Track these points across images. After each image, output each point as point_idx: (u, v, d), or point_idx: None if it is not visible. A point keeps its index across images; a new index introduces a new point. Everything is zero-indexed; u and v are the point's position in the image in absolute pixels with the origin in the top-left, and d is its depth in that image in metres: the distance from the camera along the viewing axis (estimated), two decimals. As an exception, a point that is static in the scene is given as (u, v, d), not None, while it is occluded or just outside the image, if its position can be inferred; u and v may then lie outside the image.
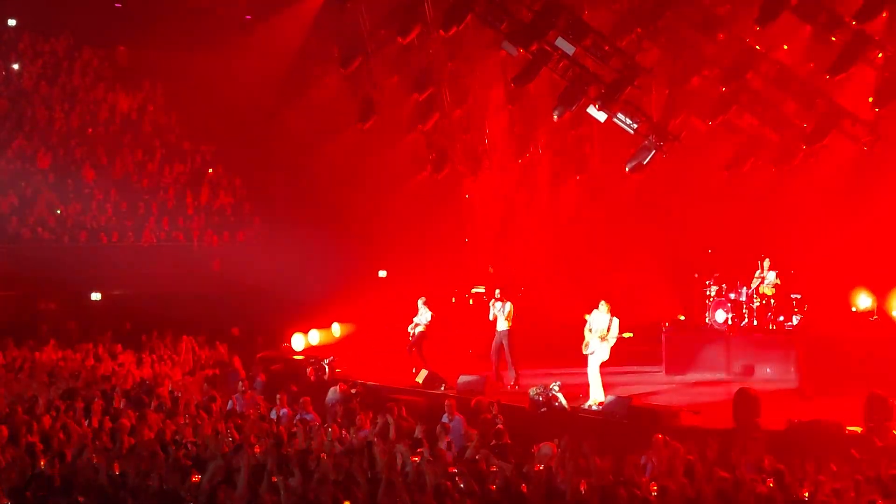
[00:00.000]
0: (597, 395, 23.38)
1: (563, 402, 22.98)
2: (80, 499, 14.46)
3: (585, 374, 24.11)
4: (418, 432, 20.84)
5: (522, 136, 34.31)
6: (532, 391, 23.49)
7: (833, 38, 25.92)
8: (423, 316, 28.23)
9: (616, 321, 23.43)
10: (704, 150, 30.73)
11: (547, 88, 30.84)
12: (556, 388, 23.26)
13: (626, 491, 14.80)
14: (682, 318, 30.48)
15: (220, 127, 38.25)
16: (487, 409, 22.12)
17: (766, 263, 28.65)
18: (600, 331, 23.42)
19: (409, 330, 28.38)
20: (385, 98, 32.51)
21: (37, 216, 33.48)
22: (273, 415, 23.38)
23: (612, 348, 23.57)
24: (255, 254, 34.44)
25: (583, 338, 23.79)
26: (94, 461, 17.47)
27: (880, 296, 28.02)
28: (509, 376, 26.60)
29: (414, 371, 27.60)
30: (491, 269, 29.64)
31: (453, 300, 33.99)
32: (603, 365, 23.71)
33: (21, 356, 27.98)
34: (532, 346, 29.19)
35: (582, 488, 15.23)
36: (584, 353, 23.60)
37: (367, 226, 35.53)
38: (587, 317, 23.78)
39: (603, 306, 23.65)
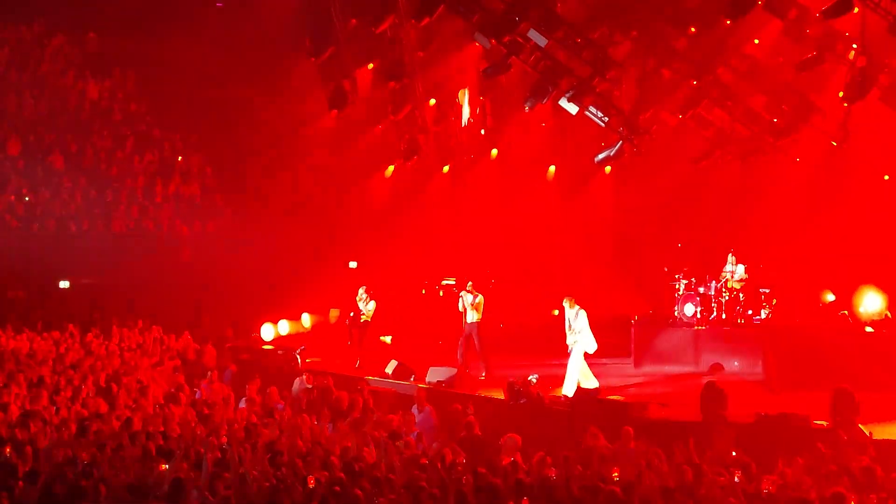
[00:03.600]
0: (567, 389, 23.38)
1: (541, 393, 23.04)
2: (50, 487, 14.39)
3: (554, 365, 24.21)
4: (393, 424, 20.90)
5: (493, 128, 34.35)
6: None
7: (807, 31, 26.01)
8: (368, 306, 28.27)
9: (583, 313, 23.46)
10: (674, 143, 30.82)
11: (519, 80, 30.90)
12: (534, 381, 23.34)
13: (592, 483, 14.86)
14: (651, 311, 30.57)
15: (191, 115, 38.11)
16: (459, 402, 22.17)
17: (735, 258, 28.79)
18: (570, 325, 23.49)
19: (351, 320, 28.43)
20: (357, 88, 32.42)
21: (5, 203, 33.26)
22: (243, 405, 23.37)
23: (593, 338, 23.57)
24: (225, 243, 34.36)
25: (561, 331, 23.91)
26: (62, 450, 17.44)
27: (848, 292, 28.15)
28: (480, 368, 26.60)
29: (357, 365, 27.64)
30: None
31: (423, 291, 34.01)
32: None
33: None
34: (501, 339, 29.27)
35: (550, 478, 15.29)
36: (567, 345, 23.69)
37: (337, 216, 35.49)
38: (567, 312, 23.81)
39: (567, 302, 23.70)
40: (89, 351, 27.75)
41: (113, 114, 38.38)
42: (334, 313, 32.90)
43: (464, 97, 34.69)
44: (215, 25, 36.67)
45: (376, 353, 28.23)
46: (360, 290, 28.51)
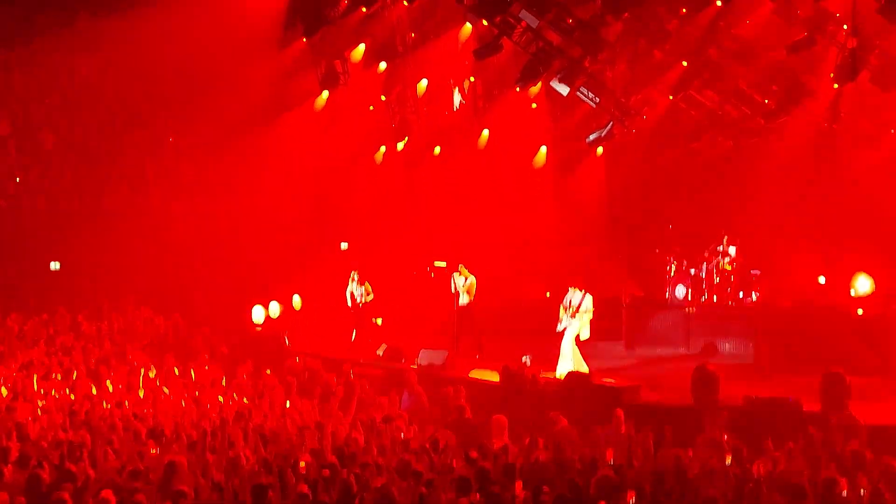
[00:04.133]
0: (562, 370, 23.37)
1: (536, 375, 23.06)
2: (39, 471, 14.36)
3: (546, 346, 24.23)
4: (384, 407, 20.94)
5: (484, 109, 34.29)
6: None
7: (798, 12, 25.98)
8: (361, 289, 28.24)
9: (589, 297, 23.44)
10: (666, 124, 30.79)
11: (510, 61, 30.84)
12: (528, 362, 23.36)
13: (584, 466, 14.89)
14: (642, 293, 30.58)
15: (182, 94, 37.91)
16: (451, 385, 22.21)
17: (726, 239, 28.81)
18: (573, 307, 23.42)
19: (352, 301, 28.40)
20: (348, 68, 32.32)
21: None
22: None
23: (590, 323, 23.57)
24: (216, 223, 34.26)
25: (556, 313, 23.86)
26: (51, 433, 17.44)
27: (839, 274, 28.17)
28: (475, 350, 26.56)
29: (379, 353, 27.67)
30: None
31: (414, 273, 33.98)
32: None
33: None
34: (494, 320, 29.27)
35: (542, 461, 15.32)
36: (557, 329, 23.61)
37: (328, 197, 35.39)
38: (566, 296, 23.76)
39: (573, 286, 23.66)
40: (80, 333, 27.71)
41: (103, 92, 38.19)
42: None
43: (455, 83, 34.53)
44: (207, 4, 36.45)
45: (367, 335, 28.19)
46: (353, 274, 28.44)
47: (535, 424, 18.96)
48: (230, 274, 32.58)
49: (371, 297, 28.23)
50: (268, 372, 24.48)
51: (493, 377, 23.64)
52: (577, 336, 23.37)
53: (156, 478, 14.55)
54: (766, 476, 14.72)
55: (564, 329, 23.47)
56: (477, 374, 24.80)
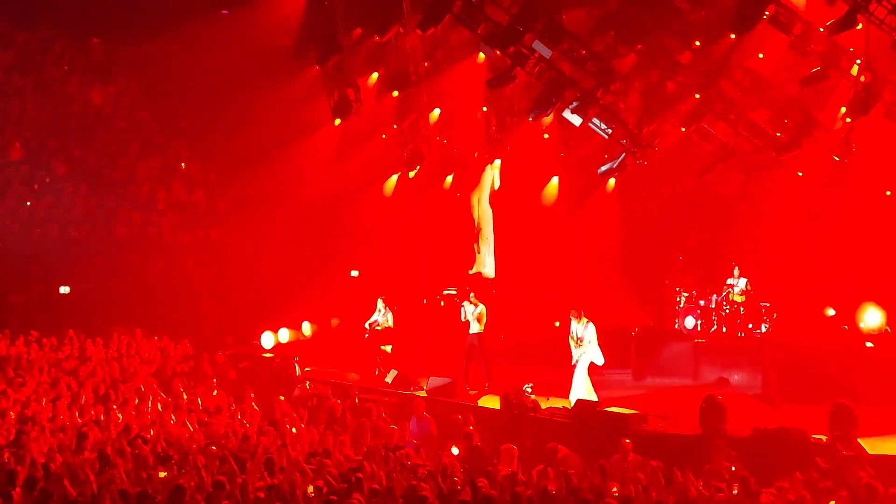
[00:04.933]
0: (573, 398, 23.35)
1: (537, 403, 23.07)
2: (46, 494, 14.40)
3: (555, 375, 24.27)
4: (393, 434, 20.98)
5: (497, 139, 34.38)
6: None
7: (812, 46, 25.99)
8: (386, 315, 28.22)
9: (592, 326, 23.46)
10: (677, 156, 30.82)
11: (523, 91, 30.97)
12: (529, 390, 23.34)
13: (591, 496, 14.86)
14: (652, 324, 30.57)
15: (195, 122, 38.09)
16: (459, 413, 22.21)
17: (737, 271, 28.81)
18: (577, 338, 23.45)
19: (369, 326, 28.38)
20: (361, 97, 32.42)
21: (7, 208, 33.23)
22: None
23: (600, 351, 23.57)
24: (226, 251, 34.34)
25: (564, 343, 23.93)
26: (60, 457, 17.46)
27: (849, 307, 28.15)
28: (484, 378, 26.55)
29: (378, 371, 27.62)
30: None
31: (425, 301, 34.01)
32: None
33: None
34: (504, 349, 29.30)
35: (550, 490, 15.29)
36: (572, 362, 23.65)
37: (340, 224, 35.46)
38: (571, 327, 23.80)
39: (574, 314, 23.69)
40: (89, 357, 27.74)
41: (116, 120, 38.36)
42: (335, 321, 32.88)
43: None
44: (220, 33, 36.64)
45: (377, 362, 28.21)
46: (379, 301, 28.43)
47: (538, 452, 18.96)
48: (240, 300, 32.65)
49: (391, 325, 28.25)
50: (281, 398, 24.48)
51: (497, 405, 23.69)
52: (591, 364, 23.42)
53: (163, 501, 14.56)
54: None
55: (577, 360, 23.53)
56: (485, 402, 24.83)
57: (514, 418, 22.75)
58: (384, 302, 28.32)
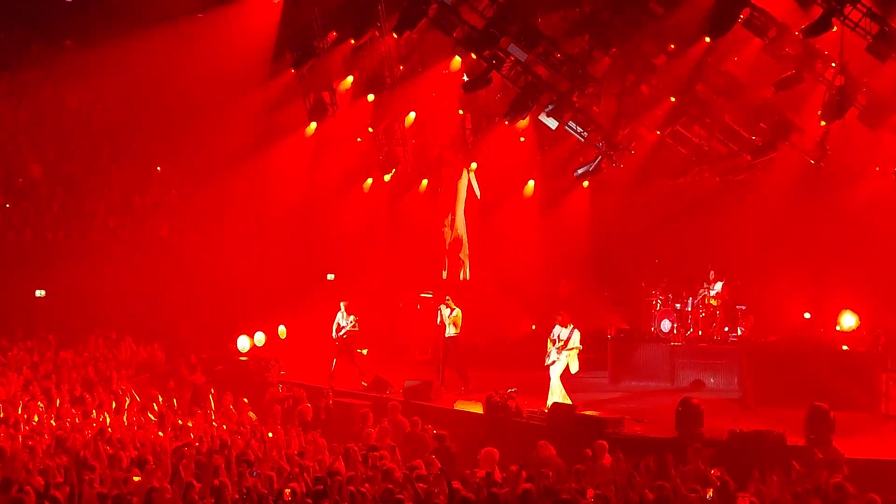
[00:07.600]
0: (551, 402, 23.34)
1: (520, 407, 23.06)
2: (22, 496, 14.32)
3: (530, 380, 24.26)
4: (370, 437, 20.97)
5: (473, 143, 34.37)
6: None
7: (787, 50, 26.05)
8: (348, 320, 28.00)
9: (577, 333, 23.46)
10: (653, 159, 30.88)
11: (498, 95, 30.96)
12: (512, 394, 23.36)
13: (567, 497, 14.84)
14: (627, 327, 30.63)
15: (170, 125, 37.94)
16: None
17: (713, 274, 28.89)
18: (560, 342, 23.42)
19: (336, 335, 28.16)
20: (336, 100, 32.36)
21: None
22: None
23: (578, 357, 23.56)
24: (203, 254, 34.21)
25: (541, 346, 23.88)
26: (35, 459, 17.37)
27: (825, 309, 28.24)
28: (460, 381, 26.53)
29: (364, 385, 27.46)
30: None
31: (401, 304, 33.97)
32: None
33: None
34: (479, 352, 29.29)
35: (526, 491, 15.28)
36: (546, 363, 23.60)
37: (315, 228, 35.40)
38: (554, 330, 23.76)
39: (560, 319, 23.66)
40: (64, 361, 27.62)
41: (92, 123, 38.21)
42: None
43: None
44: (196, 36, 36.52)
45: (352, 365, 28.11)
46: (341, 305, 28.25)
47: (520, 455, 18.93)
48: (216, 303, 32.54)
49: (356, 328, 28.05)
50: (244, 400, 24.45)
51: (478, 409, 23.66)
52: (567, 369, 23.40)
53: (138, 504, 14.51)
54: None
55: (553, 363, 23.49)
56: (462, 405, 24.84)
57: (497, 422, 22.73)
58: (346, 307, 28.09)
